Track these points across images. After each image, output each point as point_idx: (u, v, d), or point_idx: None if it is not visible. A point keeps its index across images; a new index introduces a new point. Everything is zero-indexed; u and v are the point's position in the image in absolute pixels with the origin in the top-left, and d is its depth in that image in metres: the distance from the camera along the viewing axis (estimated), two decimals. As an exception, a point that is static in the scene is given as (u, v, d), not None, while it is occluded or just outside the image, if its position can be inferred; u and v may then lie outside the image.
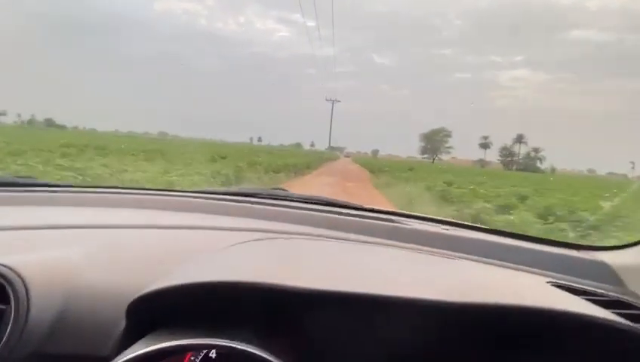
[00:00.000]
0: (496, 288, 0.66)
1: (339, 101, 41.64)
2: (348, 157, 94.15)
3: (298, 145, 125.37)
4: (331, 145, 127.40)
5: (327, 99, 42.13)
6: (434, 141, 79.88)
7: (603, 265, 0.89)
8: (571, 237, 5.41)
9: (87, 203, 1.13)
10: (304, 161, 23.60)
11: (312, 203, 1.22)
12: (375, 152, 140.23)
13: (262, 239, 0.83)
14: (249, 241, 0.80)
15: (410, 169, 25.30)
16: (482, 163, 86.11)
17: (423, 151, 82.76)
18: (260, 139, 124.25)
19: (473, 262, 0.87)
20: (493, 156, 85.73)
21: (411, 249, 0.91)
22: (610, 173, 71.17)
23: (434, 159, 79.52)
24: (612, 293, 0.76)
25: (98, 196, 1.19)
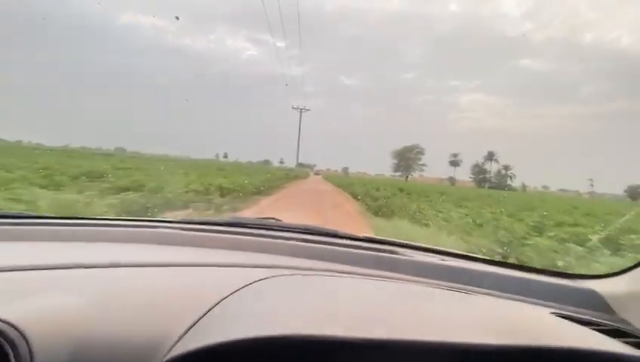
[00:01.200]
0: (518, 325, 0.67)
1: (308, 110, 37.61)
2: (318, 174, 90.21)
3: (267, 161, 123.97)
4: (301, 161, 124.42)
5: (293, 107, 37.49)
6: (407, 158, 78.05)
7: (594, 294, 0.93)
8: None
9: (69, 237, 1.06)
10: (260, 181, 17.64)
11: (306, 233, 1.21)
12: (345, 170, 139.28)
13: (272, 277, 0.80)
14: (261, 280, 0.77)
15: (401, 190, 21.08)
16: (452, 180, 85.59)
17: (396, 168, 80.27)
18: (225, 155, 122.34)
19: (480, 296, 0.88)
20: (463, 174, 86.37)
21: (416, 282, 0.92)
22: (562, 190, 76.18)
23: (407, 177, 77.39)
24: (608, 322, 0.80)
25: (79, 229, 1.11)
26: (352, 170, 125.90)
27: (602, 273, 1.02)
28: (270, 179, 20.35)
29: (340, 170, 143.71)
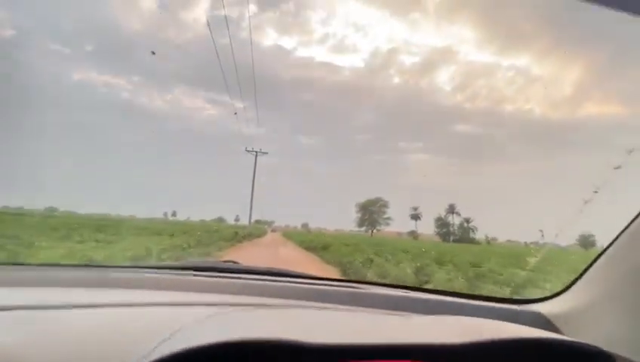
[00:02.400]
0: (481, 328, 0.68)
1: (265, 153, 32.16)
2: (275, 231, 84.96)
3: (221, 219, 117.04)
4: (258, 218, 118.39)
5: (247, 150, 31.54)
6: (371, 212, 75.21)
7: (539, 316, 1.00)
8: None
9: (17, 282, 1.00)
10: (178, 244, 12.30)
11: (266, 274, 1.19)
12: (305, 226, 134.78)
13: (235, 311, 0.79)
14: (224, 313, 0.76)
15: (405, 251, 16.18)
16: (414, 234, 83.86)
17: (360, 222, 75.99)
18: (174, 214, 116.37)
19: (442, 316, 0.87)
20: (426, 228, 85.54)
21: (379, 312, 0.95)
22: (509, 241, 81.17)
23: (372, 231, 73.50)
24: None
25: (28, 274, 1.09)
26: (311, 226, 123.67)
27: (544, 296, 1.07)
28: (203, 241, 14.50)
29: (299, 226, 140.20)
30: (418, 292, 1.16)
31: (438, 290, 1.22)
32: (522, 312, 1.02)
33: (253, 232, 29.48)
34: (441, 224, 71.41)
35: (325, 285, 1.10)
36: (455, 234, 68.97)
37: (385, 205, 75.00)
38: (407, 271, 9.16)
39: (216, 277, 1.10)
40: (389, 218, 75.59)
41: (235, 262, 1.37)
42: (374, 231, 74.96)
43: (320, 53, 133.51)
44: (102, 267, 1.23)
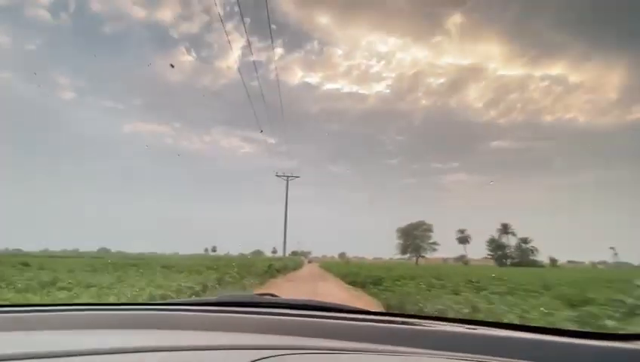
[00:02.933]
0: None
1: (296, 176, 29.88)
2: (311, 262, 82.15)
3: (258, 252, 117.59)
4: (295, 249, 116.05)
5: (278, 175, 29.29)
6: (414, 236, 68.55)
7: None
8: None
9: (41, 325, 0.95)
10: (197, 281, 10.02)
11: (307, 309, 1.12)
12: (342, 255, 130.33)
13: (269, 357, 0.73)
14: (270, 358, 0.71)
15: (470, 280, 12.62)
16: (464, 259, 76.27)
17: (403, 249, 69.56)
18: (214, 249, 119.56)
19: None
20: (474, 251, 77.97)
21: (439, 356, 0.78)
22: (571, 261, 71.02)
23: (417, 259, 67.19)
24: None
25: (53, 316, 1.04)
26: (349, 255, 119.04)
27: None
28: (223, 279, 11.87)
29: (336, 255, 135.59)
30: (491, 327, 0.94)
31: (516, 325, 1.03)
32: (631, 351, 0.78)
33: (289, 264, 26.25)
34: (496, 246, 64.30)
35: (377, 321, 0.94)
36: (512, 256, 61.66)
37: (429, 229, 69.25)
38: (494, 307, 6.15)
39: (255, 313, 1.01)
40: (434, 243, 69.62)
41: (273, 295, 1.31)
42: (419, 257, 69.86)
43: (346, 85, 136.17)
44: (134, 305, 1.13)
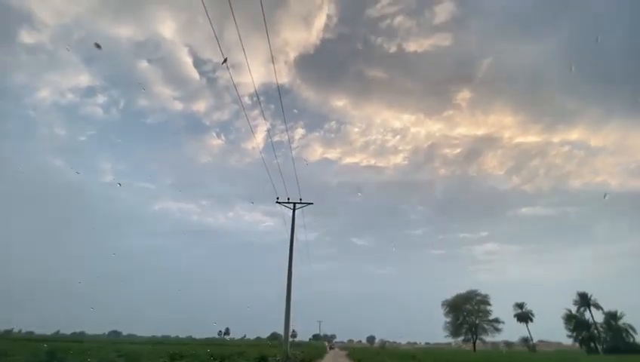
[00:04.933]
0: None
1: (308, 203, 20.42)
2: (333, 348, 68.35)
3: (274, 336, 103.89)
4: (316, 333, 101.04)
5: (278, 202, 19.45)
6: (468, 312, 53.27)
7: None
8: None
9: None
10: None
11: None
12: (371, 339, 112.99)
13: None
14: None
15: None
16: (529, 345, 59.83)
17: (454, 330, 53.01)
18: (227, 332, 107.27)
19: None
20: (540, 332, 61.70)
21: None
22: None
23: (474, 342, 51.73)
24: None
25: None
26: (377, 340, 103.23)
27: None
28: None
29: (363, 340, 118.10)
30: None
31: None
32: None
33: (296, 356, 16.55)
34: (577, 324, 46.82)
35: None
36: (601, 338, 46.04)
37: (485, 301, 52.79)
38: None
39: None
40: (496, 320, 52.11)
41: None
42: (475, 340, 51.93)
43: (364, 158, 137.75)
44: None
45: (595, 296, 48.08)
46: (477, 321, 51.56)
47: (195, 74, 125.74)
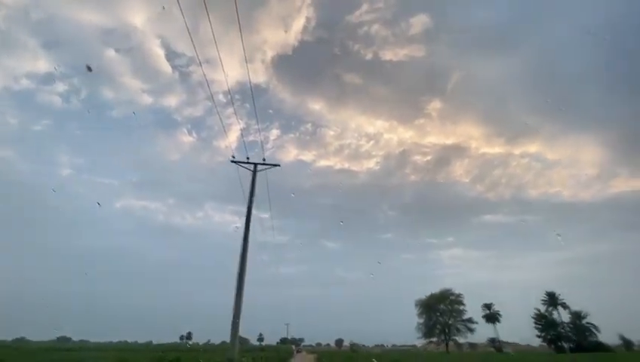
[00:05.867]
0: None
1: (273, 165, 16.98)
2: (300, 352, 65.87)
3: (245, 340, 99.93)
4: (284, 336, 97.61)
5: (232, 160, 15.59)
6: (441, 312, 51.84)
7: None
8: None
9: None
10: None
11: None
12: (340, 343, 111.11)
13: None
14: None
15: None
16: (496, 345, 59.92)
17: (427, 331, 51.45)
18: (189, 336, 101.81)
19: None
20: (505, 335, 62.20)
21: None
22: None
23: (447, 343, 50.48)
24: None
25: None
26: (346, 343, 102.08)
27: None
28: None
29: (332, 343, 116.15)
30: None
31: None
32: None
33: None
34: (547, 324, 46.48)
35: None
36: (568, 337, 46.22)
37: (459, 300, 51.43)
38: None
39: None
40: (469, 320, 50.92)
41: None
42: (448, 341, 50.01)
43: (337, 162, 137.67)
44: None
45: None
46: (450, 321, 50.37)
47: (166, 67, 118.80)
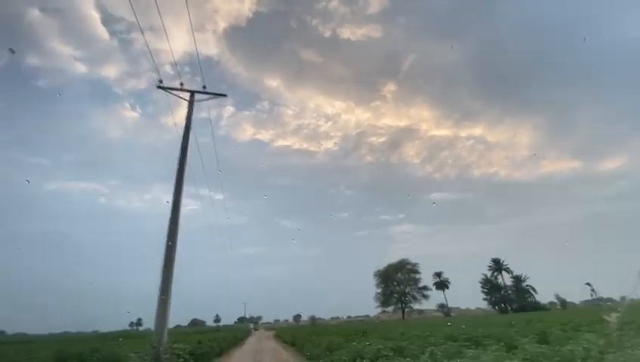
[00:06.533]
0: None
1: (213, 94, 14.56)
2: (257, 329, 65.13)
3: (195, 322, 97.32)
4: (242, 316, 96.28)
5: (159, 86, 11.70)
6: (397, 281, 53.13)
7: None
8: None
9: None
10: None
11: None
12: (297, 318, 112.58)
13: None
14: None
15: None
16: (445, 310, 63.52)
17: (386, 300, 53.12)
18: (139, 323, 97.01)
19: None
20: (458, 300, 66.26)
21: None
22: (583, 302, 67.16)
23: (403, 310, 52.05)
24: None
25: None
26: (304, 318, 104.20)
27: None
28: None
29: (290, 319, 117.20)
30: None
31: None
32: None
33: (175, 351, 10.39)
34: (492, 287, 49.94)
35: None
36: (511, 299, 49.88)
37: (415, 269, 53.23)
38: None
39: None
40: (424, 288, 53.44)
41: None
42: (404, 308, 51.82)
43: (295, 142, 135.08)
44: None
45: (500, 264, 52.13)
46: (407, 290, 52.02)
47: (104, 33, 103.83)
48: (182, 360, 8.71)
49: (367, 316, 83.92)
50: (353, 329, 21.69)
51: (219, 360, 13.84)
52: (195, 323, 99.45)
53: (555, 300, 49.27)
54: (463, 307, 71.67)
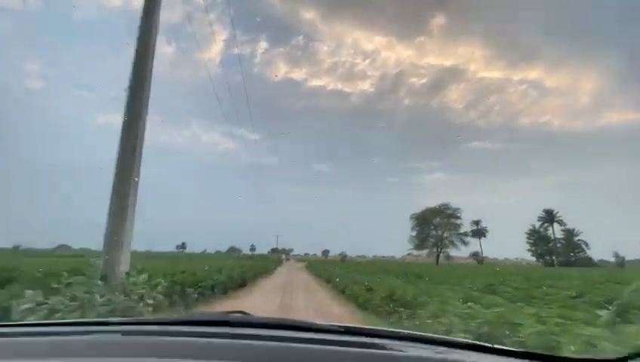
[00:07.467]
0: None
1: None
2: (289, 260, 68.08)
3: (233, 249, 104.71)
4: (274, 247, 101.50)
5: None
6: (434, 226, 51.00)
7: None
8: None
9: None
10: None
11: (277, 328, 1.05)
12: (326, 253, 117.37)
13: None
14: None
15: None
16: (478, 258, 61.56)
17: (420, 243, 51.47)
18: (184, 246, 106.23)
19: None
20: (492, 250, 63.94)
21: None
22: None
23: (438, 256, 50.77)
24: None
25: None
26: (332, 254, 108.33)
27: None
28: None
29: (319, 254, 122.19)
30: (465, 350, 0.91)
31: (492, 348, 0.92)
32: None
33: (256, 267, 8.25)
34: (538, 239, 46.18)
35: (345, 343, 0.87)
36: (559, 253, 46.54)
37: (455, 215, 49.45)
38: None
39: (226, 334, 0.92)
40: (465, 233, 50.38)
41: (244, 313, 1.20)
42: (439, 254, 49.99)
43: (330, 82, 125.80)
44: (80, 326, 1.00)
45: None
46: (445, 234, 50.04)
47: None
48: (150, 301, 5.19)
49: (393, 257, 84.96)
50: (394, 270, 19.92)
51: (244, 292, 12.44)
52: (233, 249, 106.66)
53: (612, 258, 45.18)
54: (500, 257, 69.49)
